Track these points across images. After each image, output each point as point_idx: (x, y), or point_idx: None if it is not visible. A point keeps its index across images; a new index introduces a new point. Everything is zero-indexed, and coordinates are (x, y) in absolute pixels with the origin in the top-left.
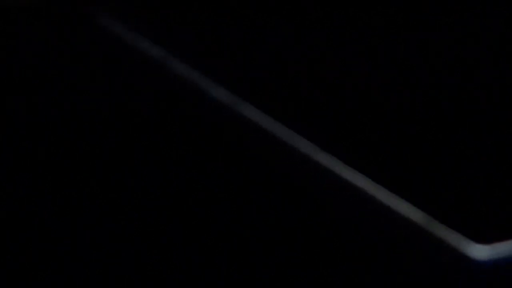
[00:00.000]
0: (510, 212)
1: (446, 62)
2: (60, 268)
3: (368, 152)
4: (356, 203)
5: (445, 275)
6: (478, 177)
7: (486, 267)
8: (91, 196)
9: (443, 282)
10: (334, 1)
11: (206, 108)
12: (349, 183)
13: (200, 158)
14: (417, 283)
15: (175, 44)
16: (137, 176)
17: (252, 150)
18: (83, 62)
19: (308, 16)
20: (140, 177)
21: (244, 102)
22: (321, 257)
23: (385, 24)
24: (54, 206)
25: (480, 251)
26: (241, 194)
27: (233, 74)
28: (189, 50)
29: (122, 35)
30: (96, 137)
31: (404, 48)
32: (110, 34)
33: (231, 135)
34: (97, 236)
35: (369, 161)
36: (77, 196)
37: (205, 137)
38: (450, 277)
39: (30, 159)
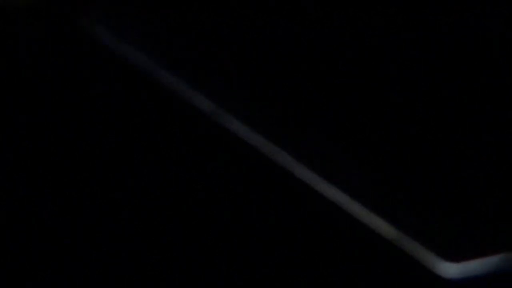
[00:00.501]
0: (479, 231)
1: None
2: (60, 268)
3: (342, 165)
4: (328, 217)
5: None
6: (449, 195)
7: (456, 285)
8: (86, 203)
9: None
10: (324, 7)
11: (191, 118)
12: (323, 197)
13: (183, 168)
14: None
15: (162, 53)
16: (132, 177)
17: (236, 161)
18: (70, 70)
19: (294, 23)
20: (126, 184)
21: (230, 113)
22: (293, 269)
23: (384, 25)
24: (53, 206)
25: (449, 269)
26: (225, 206)
27: (219, 84)
28: (177, 59)
29: (109, 43)
30: (82, 144)
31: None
32: (97, 42)
33: (216, 146)
34: (97, 236)
35: (343, 174)
36: (72, 201)
37: (190, 147)
38: None
39: (25, 161)
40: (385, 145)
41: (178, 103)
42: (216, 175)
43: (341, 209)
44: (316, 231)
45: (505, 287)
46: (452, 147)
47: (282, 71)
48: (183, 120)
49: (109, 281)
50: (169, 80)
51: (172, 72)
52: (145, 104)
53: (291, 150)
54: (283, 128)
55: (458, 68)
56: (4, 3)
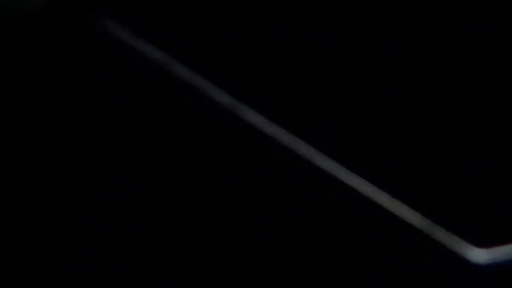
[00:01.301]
0: (509, 216)
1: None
2: (60, 268)
3: (368, 155)
4: (356, 206)
5: (445, 279)
6: (477, 181)
7: (486, 271)
8: (90, 197)
9: (444, 286)
10: (333, 4)
11: (207, 111)
12: (349, 187)
13: (199, 161)
14: (417, 287)
15: (177, 47)
16: (137, 177)
17: (253, 153)
18: (83, 64)
19: (308, 17)
20: (141, 178)
21: (245, 105)
22: (321, 259)
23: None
24: (52, 207)
25: (479, 255)
26: (240, 196)
27: (234, 77)
28: (191, 53)
29: (123, 38)
30: (97, 138)
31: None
32: (111, 37)
33: (232, 138)
34: (96, 236)
35: (370, 165)
36: (75, 197)
37: (205, 140)
38: (450, 281)
39: (30, 159)
40: (411, 134)
41: (194, 97)
42: (233, 168)
43: (369, 200)
44: (344, 222)
45: None
46: (478, 138)
47: (298, 63)
48: (201, 114)
49: (108, 281)
50: (185, 74)
51: (188, 66)
52: (161, 98)
53: (313, 140)
54: (301, 119)
55: (462, 63)
56: (4, 9)
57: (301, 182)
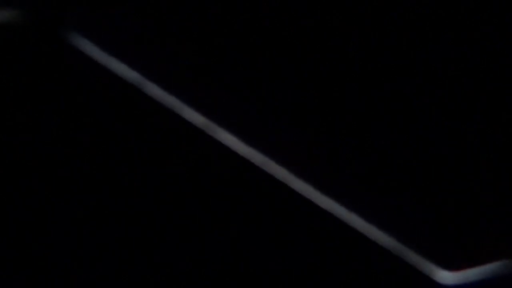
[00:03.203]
0: (477, 240)
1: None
2: (59, 268)
3: (340, 177)
4: (327, 227)
5: None
6: (446, 205)
7: None
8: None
9: None
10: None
11: (181, 132)
12: (320, 208)
13: (174, 182)
14: None
15: (149, 65)
16: (116, 199)
17: (227, 174)
18: (52, 82)
19: (295, 38)
20: (121, 200)
21: (219, 126)
22: (293, 276)
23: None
24: (52, 207)
25: (448, 277)
26: (212, 214)
27: (209, 98)
28: (163, 72)
29: (93, 55)
30: (65, 152)
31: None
32: (81, 54)
33: (205, 158)
34: (96, 236)
35: (341, 187)
36: (69, 205)
37: (177, 159)
38: None
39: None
40: (382, 154)
41: (168, 117)
42: (209, 188)
43: (338, 220)
44: (314, 242)
45: None
46: (450, 156)
47: (272, 81)
48: (174, 134)
49: (108, 281)
50: (158, 93)
51: (161, 85)
52: (135, 118)
53: (285, 162)
54: (276, 139)
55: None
56: None
57: (273, 202)
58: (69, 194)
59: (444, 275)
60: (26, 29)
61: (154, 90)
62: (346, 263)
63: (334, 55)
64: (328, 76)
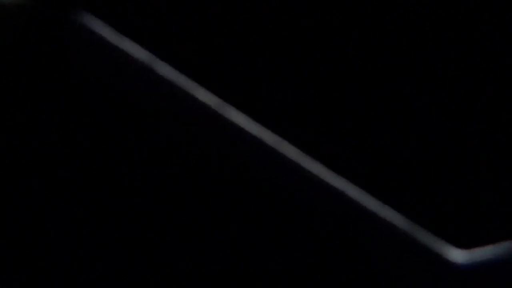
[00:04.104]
0: (489, 218)
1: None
2: (59, 268)
3: (352, 158)
4: (338, 207)
5: (426, 279)
6: (459, 183)
7: (465, 271)
8: (84, 200)
9: (424, 285)
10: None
11: (192, 111)
12: (333, 188)
13: (185, 162)
14: (397, 286)
15: (161, 46)
16: (123, 179)
17: (237, 154)
18: (67, 63)
19: (300, 21)
20: (127, 180)
21: (231, 106)
22: (304, 260)
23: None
24: (51, 207)
25: (460, 255)
26: (225, 197)
27: (220, 77)
28: (175, 52)
29: (107, 37)
30: (79, 136)
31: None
32: (95, 36)
33: (217, 138)
34: (96, 236)
35: (354, 167)
36: (70, 199)
37: (190, 140)
38: (430, 281)
39: (22, 164)
40: (394, 136)
41: (181, 98)
42: (222, 168)
43: (350, 199)
44: (327, 224)
45: None
46: (463, 137)
47: (284, 62)
48: (187, 115)
49: (108, 281)
50: (169, 73)
51: (173, 65)
52: (147, 99)
53: (299, 142)
54: (288, 120)
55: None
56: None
57: (284, 183)
58: (71, 185)
59: (456, 254)
60: (36, 9)
61: (166, 70)
62: (358, 242)
63: (334, 55)
64: (328, 76)
